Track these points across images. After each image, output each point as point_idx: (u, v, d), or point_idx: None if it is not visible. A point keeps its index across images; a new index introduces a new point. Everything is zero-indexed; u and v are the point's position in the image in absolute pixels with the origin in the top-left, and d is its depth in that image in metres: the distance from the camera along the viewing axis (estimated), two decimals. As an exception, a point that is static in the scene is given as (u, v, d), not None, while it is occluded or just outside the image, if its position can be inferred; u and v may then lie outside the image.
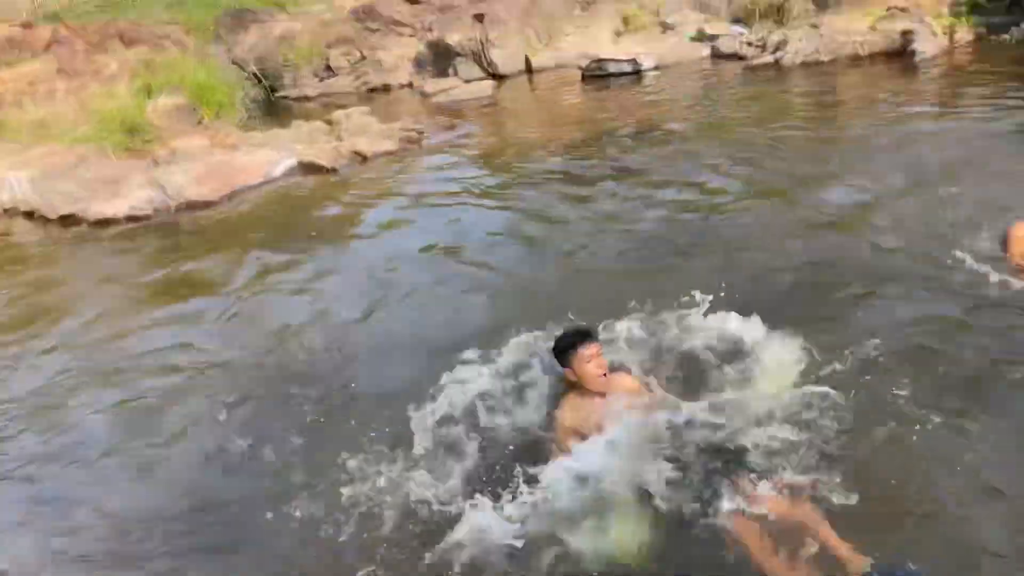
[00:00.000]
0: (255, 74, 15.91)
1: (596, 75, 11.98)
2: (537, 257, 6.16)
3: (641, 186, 7.17)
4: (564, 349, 3.93)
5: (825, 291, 4.69)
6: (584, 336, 3.92)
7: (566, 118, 10.37)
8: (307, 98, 15.41)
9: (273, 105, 15.40)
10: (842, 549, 2.95)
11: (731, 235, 5.72)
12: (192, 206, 9.00)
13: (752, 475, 3.27)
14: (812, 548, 2.94)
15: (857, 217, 5.60)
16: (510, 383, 4.17)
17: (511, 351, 4.35)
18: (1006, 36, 9.06)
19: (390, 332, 5.29)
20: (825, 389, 3.59)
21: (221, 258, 7.30)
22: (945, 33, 9.48)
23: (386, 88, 14.67)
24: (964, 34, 9.40)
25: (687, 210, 6.41)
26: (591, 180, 7.63)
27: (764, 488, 3.19)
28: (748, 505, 3.13)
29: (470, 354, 4.40)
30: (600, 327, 4.32)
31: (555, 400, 4.00)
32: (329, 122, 11.81)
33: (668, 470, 3.35)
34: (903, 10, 9.82)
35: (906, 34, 9.43)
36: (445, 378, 4.23)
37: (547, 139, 9.50)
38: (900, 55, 9.35)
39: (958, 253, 4.62)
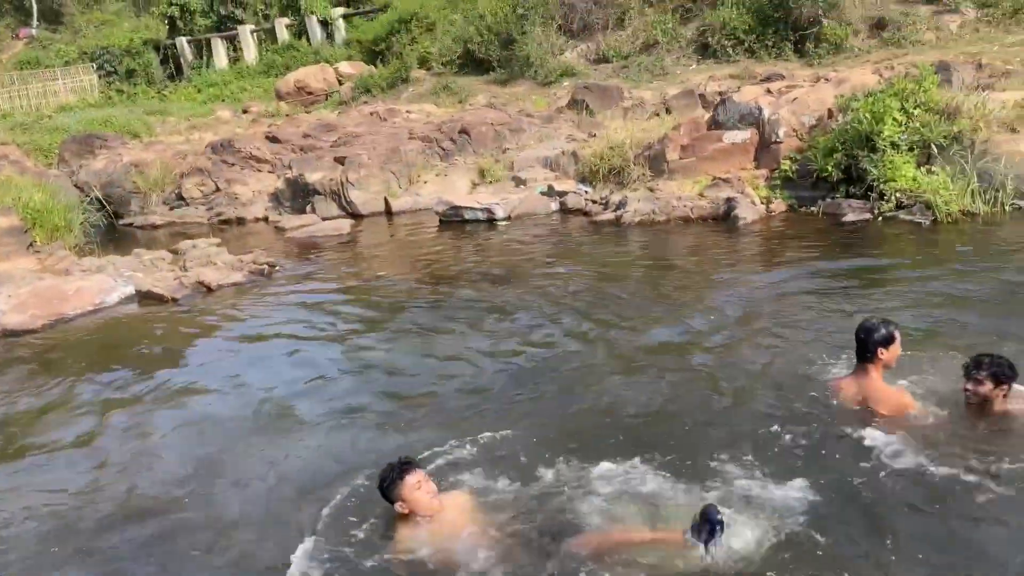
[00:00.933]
0: (99, 199, 15.33)
1: (452, 220, 12.39)
2: (374, 398, 6.10)
3: (486, 328, 7.36)
4: (391, 483, 3.88)
5: (649, 425, 4.89)
6: (406, 466, 3.94)
7: (420, 259, 10.59)
8: (154, 226, 14.95)
9: (116, 232, 14.83)
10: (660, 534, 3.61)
11: (567, 376, 5.93)
12: (10, 333, 8.32)
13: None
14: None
15: (681, 357, 5.97)
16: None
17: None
18: (814, 208, 10.23)
19: (211, 476, 5.01)
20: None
21: (31, 391, 6.73)
22: (763, 203, 10.59)
23: (240, 221, 14.50)
24: (778, 205, 10.53)
25: (530, 350, 6.61)
26: (439, 321, 7.75)
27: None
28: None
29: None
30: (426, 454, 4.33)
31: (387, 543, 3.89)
32: (175, 251, 11.48)
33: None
34: (726, 180, 10.94)
35: (729, 201, 10.47)
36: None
37: (400, 278, 9.62)
38: (725, 219, 10.32)
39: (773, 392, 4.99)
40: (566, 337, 6.86)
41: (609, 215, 11.26)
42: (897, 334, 4.74)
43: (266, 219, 14.37)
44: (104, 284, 9.70)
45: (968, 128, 9.64)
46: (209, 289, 9.73)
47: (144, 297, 9.62)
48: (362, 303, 8.73)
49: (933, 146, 9.64)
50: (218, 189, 15.66)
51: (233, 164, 16.25)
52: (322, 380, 6.48)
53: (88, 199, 14.91)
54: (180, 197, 15.88)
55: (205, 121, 25.83)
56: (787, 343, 6.13)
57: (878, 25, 21.30)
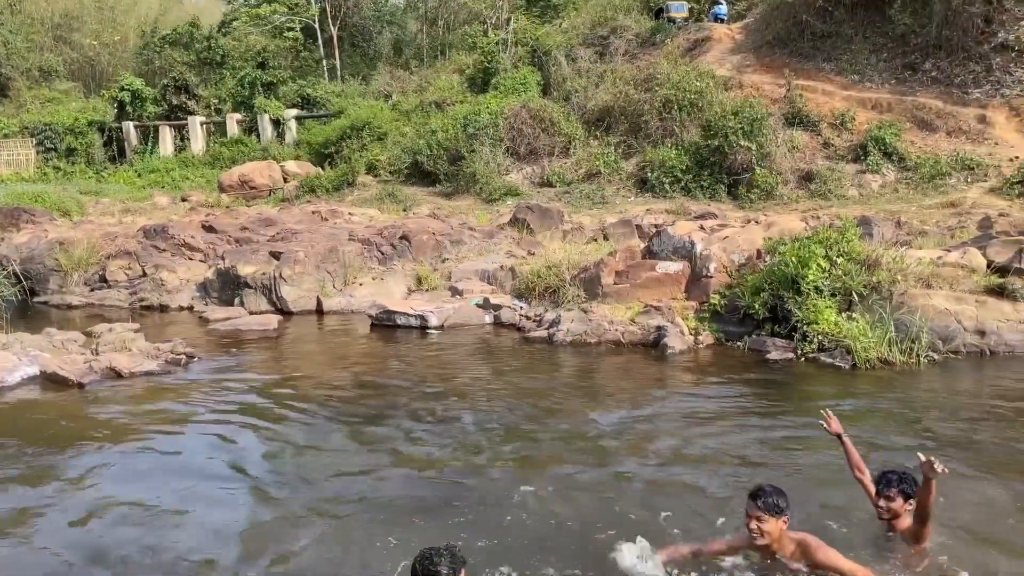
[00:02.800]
0: (16, 273, 14.68)
1: (384, 325, 12.23)
2: (276, 504, 5.78)
3: (400, 437, 7.17)
4: (452, 570, 3.65)
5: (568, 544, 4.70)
6: (463, 559, 3.72)
7: (345, 362, 10.33)
8: (70, 306, 14.36)
9: (30, 309, 14.15)
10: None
11: (481, 493, 5.72)
12: None
13: None
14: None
15: (596, 482, 5.83)
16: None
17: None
18: (740, 343, 10.45)
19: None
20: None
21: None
22: (691, 333, 10.78)
23: (163, 308, 14.03)
24: (706, 337, 10.73)
25: (441, 466, 6.41)
26: (352, 426, 7.51)
27: None
28: None
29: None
30: None
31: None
32: (89, 334, 10.96)
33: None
34: (657, 309, 11.14)
35: (659, 329, 10.62)
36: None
37: (321, 379, 9.34)
38: (654, 346, 10.44)
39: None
40: (478, 454, 6.70)
41: (542, 332, 11.28)
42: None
43: (191, 308, 13.93)
44: (6, 362, 9.14)
45: (887, 280, 10.11)
46: (120, 376, 9.25)
47: (48, 379, 9.08)
48: (275, 403, 8.38)
49: (854, 294, 10.04)
50: (144, 274, 15.22)
51: (164, 250, 15.88)
52: (215, 485, 6.13)
53: (4, 272, 14.27)
54: (103, 279, 15.35)
55: (141, 205, 25.43)
56: (694, 473, 6.14)
57: (806, 177, 22.69)
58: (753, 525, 4.38)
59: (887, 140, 22.57)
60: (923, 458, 4.32)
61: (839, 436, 5.10)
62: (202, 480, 6.22)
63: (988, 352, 9.57)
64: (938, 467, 4.21)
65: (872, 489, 4.90)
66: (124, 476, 6.32)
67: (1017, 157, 21.20)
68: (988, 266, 11.21)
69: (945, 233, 15.85)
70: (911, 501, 4.63)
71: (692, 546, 4.74)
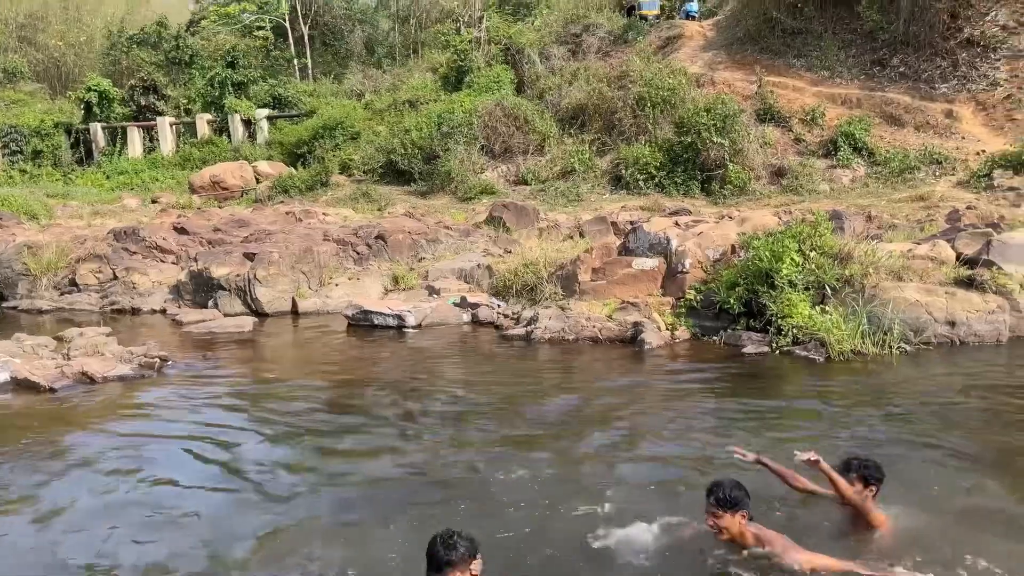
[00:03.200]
0: (-17, 278, 14.42)
1: (361, 325, 12.16)
2: (248, 508, 5.73)
3: (380, 437, 7.15)
4: (466, 552, 3.72)
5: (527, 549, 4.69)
6: (478, 546, 3.81)
7: (322, 363, 10.26)
8: (40, 311, 14.13)
9: (-2, 314, 13.90)
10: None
11: (463, 490, 5.72)
12: None
13: None
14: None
15: (567, 475, 5.85)
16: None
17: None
18: (715, 338, 10.53)
19: None
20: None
21: None
22: (668, 329, 10.84)
23: (135, 312, 13.85)
24: (683, 332, 10.80)
25: (424, 465, 6.41)
26: (329, 428, 7.46)
27: None
28: None
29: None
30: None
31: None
32: (60, 339, 10.79)
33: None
34: (634, 305, 11.20)
35: (636, 325, 10.67)
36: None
37: (297, 382, 9.27)
38: (631, 342, 10.49)
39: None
40: (458, 453, 6.69)
41: (520, 330, 11.29)
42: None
43: (163, 311, 13.76)
44: (-26, 368, 8.96)
45: (859, 273, 10.25)
46: (92, 380, 9.11)
47: (19, 385, 8.92)
48: (252, 406, 8.31)
49: (827, 287, 10.16)
50: (115, 277, 15.01)
51: (135, 253, 15.67)
52: (192, 492, 6.06)
53: (-30, 277, 14.02)
54: (73, 283, 15.12)
55: (110, 208, 25.08)
56: (672, 463, 6.22)
57: (778, 173, 22.94)
58: (711, 522, 4.42)
59: (857, 135, 22.88)
60: (800, 457, 4.66)
61: (758, 461, 5.00)
62: (179, 487, 6.13)
63: (958, 342, 9.73)
64: (801, 456, 4.62)
65: (813, 486, 5.01)
66: (97, 483, 6.22)
67: (983, 151, 21.59)
68: (957, 258, 11.40)
69: (915, 226, 16.10)
70: (872, 487, 4.74)
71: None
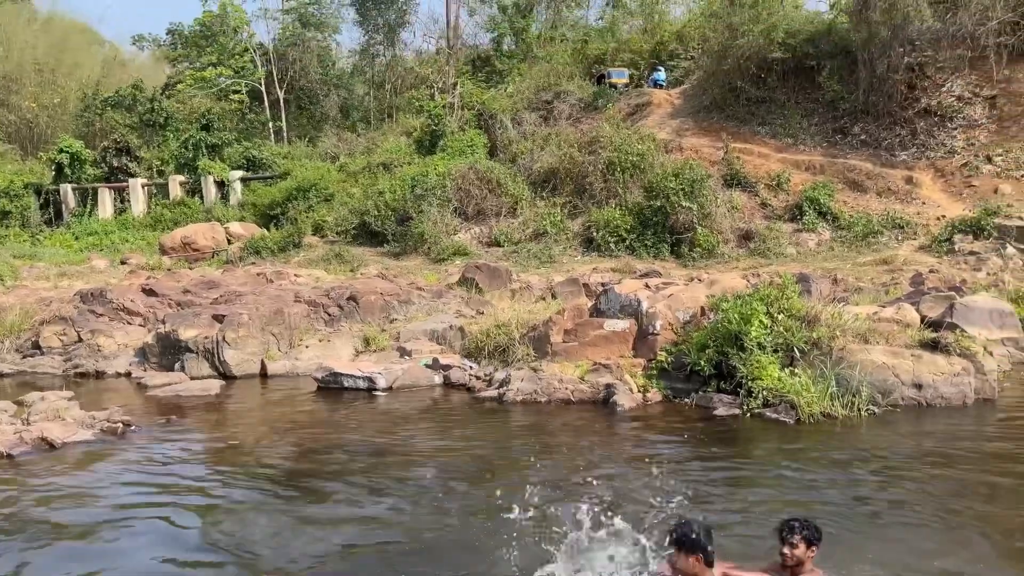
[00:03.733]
0: (-57, 340, 14.09)
1: (331, 387, 12.01)
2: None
3: (350, 505, 7.01)
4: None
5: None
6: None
7: (289, 427, 10.08)
8: (1, 375, 13.78)
9: (-44, 377, 13.53)
10: None
11: (433, 555, 5.60)
12: None
13: None
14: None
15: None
16: None
17: None
18: (687, 400, 10.55)
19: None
20: None
21: None
22: (640, 391, 10.85)
23: (99, 375, 13.57)
24: (654, 394, 10.81)
25: (392, 530, 6.25)
26: (298, 495, 7.29)
27: None
28: None
29: None
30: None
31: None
32: (20, 403, 10.52)
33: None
34: (606, 366, 11.21)
35: (608, 387, 10.67)
36: None
37: (265, 446, 9.08)
38: (604, 404, 10.47)
39: None
40: (431, 516, 6.57)
41: (492, 392, 11.22)
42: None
43: (128, 375, 13.49)
44: (-72, 434, 8.68)
45: (826, 336, 10.38)
46: (52, 446, 8.86)
47: (-28, 451, 8.63)
48: (217, 473, 8.10)
49: (795, 349, 10.27)
50: (80, 340, 14.73)
51: (101, 315, 15.44)
52: (155, 563, 5.86)
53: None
54: (36, 345, 14.81)
55: (78, 269, 24.78)
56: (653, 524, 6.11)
57: (746, 236, 23.38)
58: (677, 564, 4.40)
59: (821, 200, 23.46)
60: None
61: None
62: (138, 558, 5.93)
63: (925, 404, 9.83)
64: None
65: None
66: (55, 554, 5.99)
67: (943, 216, 22.23)
68: (922, 321, 11.62)
69: (880, 289, 16.42)
70: (814, 547, 4.79)
71: None
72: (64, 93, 44.93)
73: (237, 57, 43.73)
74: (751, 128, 27.76)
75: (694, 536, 4.34)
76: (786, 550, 4.80)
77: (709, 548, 4.38)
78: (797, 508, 6.50)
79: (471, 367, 12.52)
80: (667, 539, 4.43)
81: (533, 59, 39.53)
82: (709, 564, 4.38)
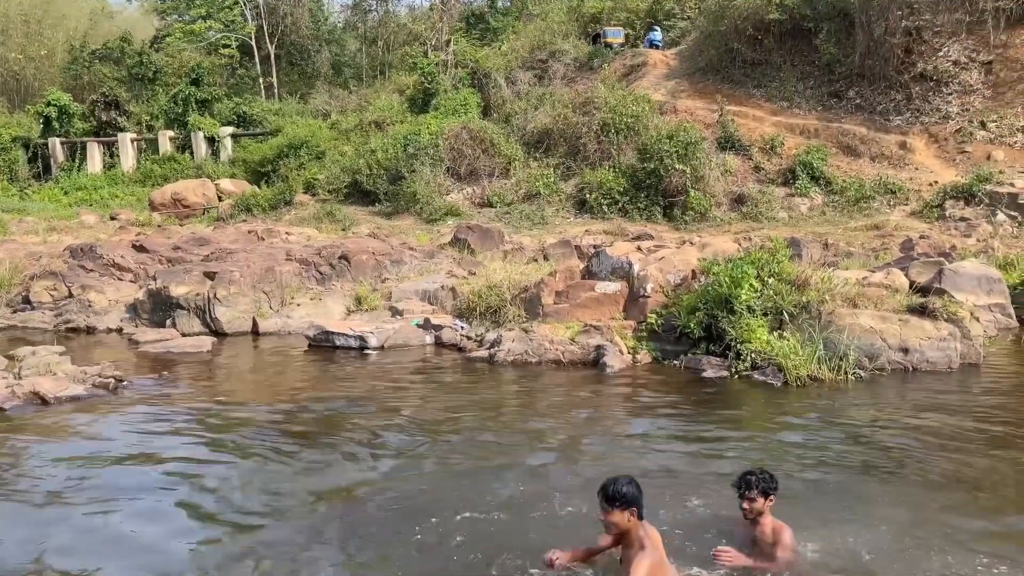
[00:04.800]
0: (-69, 294, 14.04)
1: (322, 345, 12.06)
2: (215, 535, 5.64)
3: (340, 460, 7.09)
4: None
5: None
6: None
7: (281, 383, 10.15)
8: (-9, 329, 13.74)
9: (-55, 331, 13.51)
10: None
11: (426, 514, 5.69)
12: None
13: None
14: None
15: (531, 498, 5.85)
16: None
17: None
18: (676, 362, 10.65)
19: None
20: None
21: None
22: (630, 352, 10.94)
23: (90, 330, 13.58)
24: (644, 356, 10.90)
25: (383, 488, 6.36)
26: (289, 450, 7.36)
27: None
28: None
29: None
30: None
31: None
32: (11, 358, 10.53)
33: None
34: (597, 328, 11.28)
35: (599, 348, 10.76)
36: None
37: (257, 402, 9.15)
38: (594, 365, 10.56)
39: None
40: (420, 475, 6.67)
41: (483, 352, 11.29)
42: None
43: (120, 331, 13.50)
44: (-81, 387, 8.70)
45: (816, 300, 10.45)
46: (44, 401, 8.90)
47: (-35, 405, 8.67)
48: (210, 427, 8.18)
49: (785, 313, 10.34)
50: (71, 295, 14.70)
51: (92, 270, 15.39)
52: (147, 517, 5.94)
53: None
54: (27, 300, 14.78)
55: (67, 224, 24.61)
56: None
57: (738, 200, 23.37)
58: (601, 516, 4.48)
59: (814, 165, 23.42)
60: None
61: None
62: (132, 513, 5.98)
63: (911, 368, 9.95)
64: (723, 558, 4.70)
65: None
66: (48, 510, 6.06)
67: (936, 182, 22.24)
68: (910, 286, 11.71)
69: (870, 254, 16.51)
70: (771, 497, 4.95)
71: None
72: (51, 45, 44.12)
73: (227, 10, 42.92)
74: (746, 91, 27.56)
75: (625, 490, 4.40)
76: (745, 505, 4.95)
77: (641, 502, 4.46)
78: (779, 466, 6.62)
79: (462, 327, 12.58)
80: (599, 495, 4.48)
81: (528, 17, 38.98)
82: (640, 518, 4.47)
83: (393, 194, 25.23)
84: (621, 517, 4.40)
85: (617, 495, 4.39)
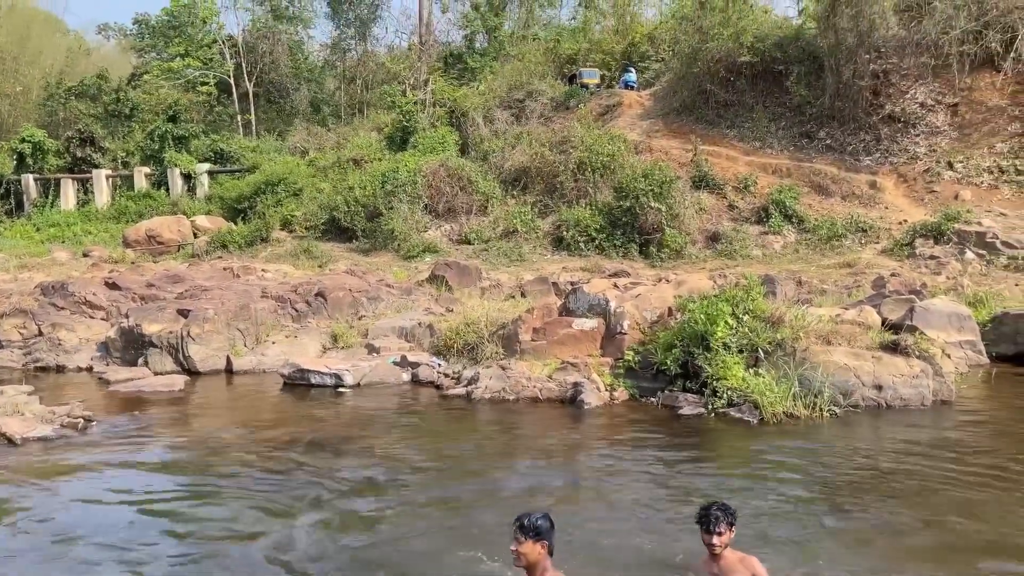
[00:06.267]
0: None
1: (297, 384, 11.93)
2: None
3: (314, 501, 6.98)
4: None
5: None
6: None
7: (254, 423, 9.99)
8: (-42, 368, 13.44)
9: (-89, 370, 13.20)
10: None
11: (397, 557, 5.61)
12: None
13: None
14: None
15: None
16: None
17: None
18: (653, 399, 10.65)
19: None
20: None
21: None
22: (607, 389, 10.93)
23: (60, 369, 13.34)
24: (621, 393, 10.90)
25: (355, 529, 6.25)
26: (261, 491, 7.23)
27: None
28: None
29: None
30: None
31: None
32: (-24, 397, 10.29)
33: None
34: (574, 365, 11.28)
35: (576, 386, 10.74)
36: None
37: (229, 443, 9.00)
38: (571, 402, 10.53)
39: None
40: (391, 517, 6.58)
41: (460, 390, 11.23)
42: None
43: (90, 369, 13.27)
44: None
45: (790, 337, 10.54)
46: (11, 442, 8.70)
47: (-73, 446, 8.45)
48: (179, 471, 8.03)
49: (760, 350, 10.41)
50: (41, 333, 14.46)
51: (63, 308, 15.16)
52: (115, 562, 5.79)
53: None
54: (-5, 338, 14.49)
55: (39, 261, 24.30)
56: (617, 521, 6.18)
57: (713, 238, 23.63)
58: (513, 547, 4.47)
59: (787, 203, 23.79)
60: None
61: None
62: (98, 557, 5.85)
63: (885, 405, 10.03)
64: None
65: None
66: (12, 553, 5.90)
67: (905, 220, 22.66)
68: (883, 323, 11.86)
69: (842, 292, 16.70)
70: (733, 528, 4.96)
71: None
72: (27, 82, 43.91)
73: (205, 48, 43.15)
74: (720, 131, 28.05)
75: (539, 523, 4.44)
76: (715, 540, 4.92)
77: (552, 538, 4.50)
78: (753, 505, 6.62)
79: (440, 364, 12.51)
80: (514, 525, 4.50)
81: (505, 57, 39.53)
82: (551, 553, 4.49)
83: (371, 231, 25.23)
84: (532, 549, 4.43)
85: (531, 526, 4.44)
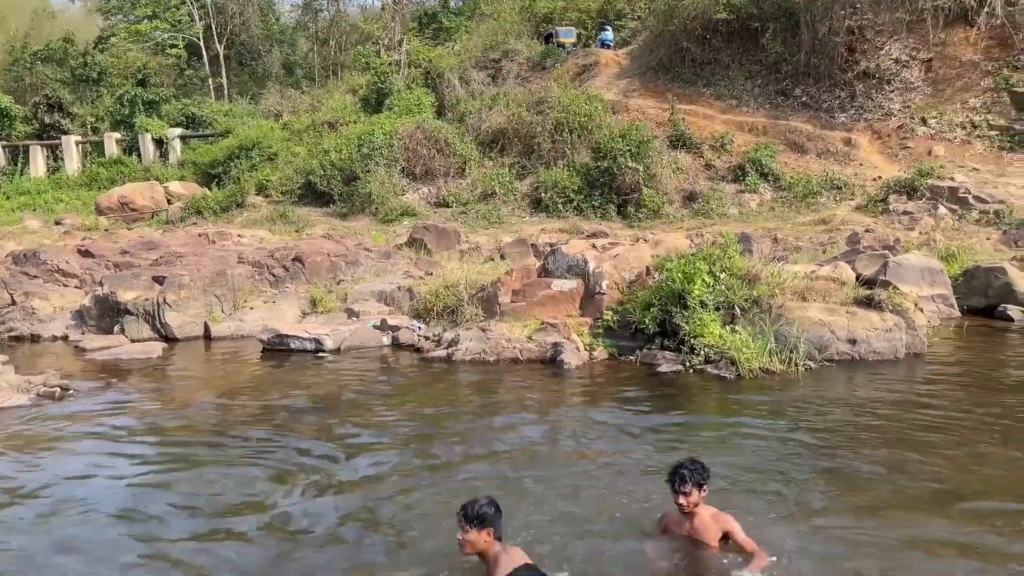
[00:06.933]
0: None
1: (277, 349, 11.91)
2: (166, 546, 5.54)
3: (297, 465, 7.00)
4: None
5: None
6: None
7: (235, 389, 9.99)
8: (-71, 339, 13.29)
9: None
10: None
11: (385, 516, 5.67)
12: None
13: None
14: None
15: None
16: None
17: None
18: (632, 358, 10.76)
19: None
20: None
21: None
22: (586, 349, 11.02)
23: (35, 338, 13.23)
24: (601, 352, 11.00)
25: (341, 491, 6.30)
26: (242, 457, 7.26)
27: None
28: None
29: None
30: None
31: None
32: (-50, 368, 10.19)
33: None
34: (553, 326, 11.34)
35: (556, 346, 10.82)
36: None
37: (209, 409, 9.00)
38: (551, 362, 10.62)
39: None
40: (381, 478, 6.63)
41: (441, 352, 11.27)
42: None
43: (65, 338, 13.16)
44: None
45: (766, 293, 10.66)
46: (-15, 411, 8.64)
47: (-99, 418, 8.38)
48: (160, 437, 8.03)
49: (736, 307, 10.53)
50: (13, 302, 14.29)
51: (35, 276, 14.97)
52: (94, 531, 5.81)
53: None
54: (-34, 308, 14.30)
55: (10, 230, 23.91)
56: (597, 478, 6.27)
57: (690, 197, 23.68)
58: (459, 536, 4.50)
59: (763, 161, 23.84)
60: None
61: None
62: (78, 527, 5.85)
63: (859, 359, 10.22)
64: None
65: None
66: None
67: (880, 177, 22.81)
68: (857, 279, 12.01)
69: (817, 248, 16.86)
70: (704, 487, 4.99)
71: None
72: (-11, 46, 42.75)
73: (173, 10, 42.10)
74: (696, 89, 27.93)
75: (483, 511, 4.44)
76: (681, 500, 4.96)
77: (499, 523, 4.51)
78: (730, 458, 6.75)
79: (420, 328, 12.54)
80: (458, 514, 4.50)
81: (480, 16, 38.95)
82: (498, 538, 4.50)
83: (348, 195, 25.00)
84: (477, 537, 4.43)
85: (475, 515, 4.42)
